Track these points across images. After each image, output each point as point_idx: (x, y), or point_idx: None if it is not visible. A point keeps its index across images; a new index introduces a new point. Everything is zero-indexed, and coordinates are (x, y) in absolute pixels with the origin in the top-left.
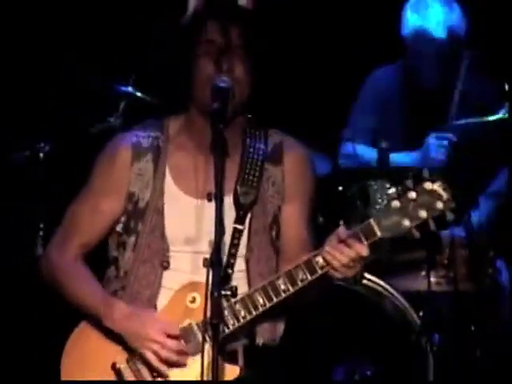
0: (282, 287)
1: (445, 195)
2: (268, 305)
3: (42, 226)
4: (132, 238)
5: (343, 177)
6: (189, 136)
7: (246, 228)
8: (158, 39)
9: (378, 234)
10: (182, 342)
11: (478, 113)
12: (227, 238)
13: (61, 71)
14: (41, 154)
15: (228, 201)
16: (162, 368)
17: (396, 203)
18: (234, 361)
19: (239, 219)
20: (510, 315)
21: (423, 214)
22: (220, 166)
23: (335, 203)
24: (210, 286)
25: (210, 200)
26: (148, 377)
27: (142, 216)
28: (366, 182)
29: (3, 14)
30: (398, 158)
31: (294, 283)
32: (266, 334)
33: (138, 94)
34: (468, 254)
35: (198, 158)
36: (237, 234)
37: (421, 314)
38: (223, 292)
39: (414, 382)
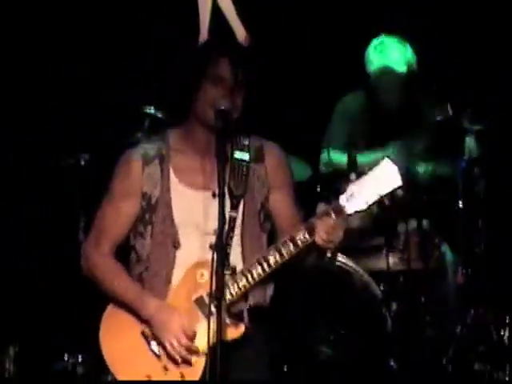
0: (272, 260)
1: (394, 176)
2: (263, 274)
3: (82, 218)
4: (148, 228)
5: (322, 180)
6: (187, 142)
7: (240, 214)
8: (175, 64)
9: (345, 211)
10: (194, 333)
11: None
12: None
13: (102, 96)
14: (82, 162)
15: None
16: (172, 353)
17: (355, 186)
18: (239, 321)
19: (233, 207)
20: (452, 288)
21: (378, 192)
22: (223, 171)
23: (315, 201)
24: (215, 265)
25: (214, 196)
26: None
27: (154, 210)
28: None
29: (45, 36)
30: (362, 157)
31: (281, 256)
32: (258, 296)
33: (159, 115)
34: (418, 240)
35: (195, 159)
36: (232, 219)
37: (381, 287)
38: (226, 271)
39: (376, 340)
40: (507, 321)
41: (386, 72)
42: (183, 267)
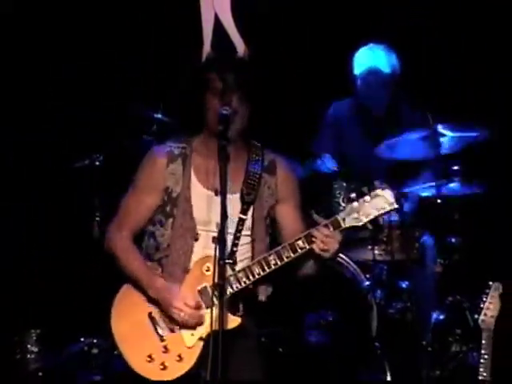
0: (273, 262)
1: (390, 199)
2: (262, 274)
3: (97, 214)
4: (170, 220)
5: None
6: (206, 147)
7: (250, 218)
8: (181, 81)
9: (343, 226)
10: (198, 302)
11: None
12: (234, 225)
13: (114, 103)
14: (96, 162)
15: (236, 197)
16: (183, 322)
17: (356, 204)
18: (236, 313)
19: (243, 211)
20: (431, 277)
21: (375, 212)
22: (224, 171)
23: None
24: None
25: (216, 194)
26: (174, 325)
27: (175, 203)
28: (331, 182)
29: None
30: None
31: (281, 259)
32: (263, 292)
33: (165, 120)
34: (400, 233)
35: (211, 162)
36: (241, 221)
37: (367, 276)
38: (227, 261)
39: (362, 325)
40: (482, 306)
41: (373, 72)
42: (197, 257)
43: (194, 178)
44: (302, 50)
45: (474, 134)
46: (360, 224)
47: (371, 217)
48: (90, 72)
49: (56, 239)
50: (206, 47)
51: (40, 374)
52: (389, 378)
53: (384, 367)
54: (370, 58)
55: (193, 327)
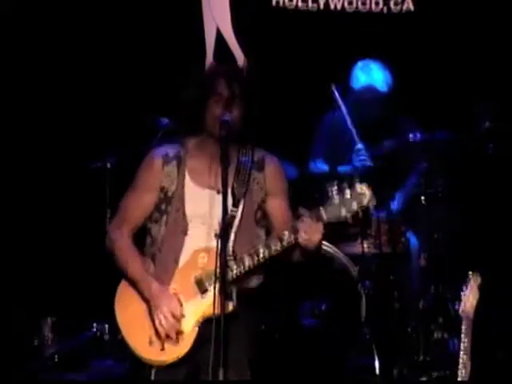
0: (262, 253)
1: (368, 194)
2: (252, 265)
3: (109, 210)
4: (164, 217)
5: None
6: (200, 149)
7: (239, 212)
8: (185, 88)
9: (324, 218)
10: (182, 315)
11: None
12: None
13: (125, 109)
14: (108, 164)
15: (228, 193)
16: (160, 330)
17: (336, 199)
18: (229, 300)
19: (234, 206)
20: (416, 269)
21: (355, 206)
22: (226, 174)
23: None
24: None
25: (218, 192)
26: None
27: (170, 202)
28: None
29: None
30: (340, 168)
31: (269, 250)
32: (254, 282)
33: (171, 125)
34: (388, 228)
35: (205, 163)
36: (232, 216)
37: (357, 268)
38: (228, 257)
39: (352, 313)
40: (462, 296)
41: (370, 90)
42: (189, 252)
43: (187, 178)
44: (300, 62)
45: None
46: (341, 216)
47: (351, 211)
48: (107, 80)
49: (71, 233)
50: (209, 58)
51: (56, 359)
52: (376, 362)
53: (372, 351)
54: (368, 76)
55: (170, 337)
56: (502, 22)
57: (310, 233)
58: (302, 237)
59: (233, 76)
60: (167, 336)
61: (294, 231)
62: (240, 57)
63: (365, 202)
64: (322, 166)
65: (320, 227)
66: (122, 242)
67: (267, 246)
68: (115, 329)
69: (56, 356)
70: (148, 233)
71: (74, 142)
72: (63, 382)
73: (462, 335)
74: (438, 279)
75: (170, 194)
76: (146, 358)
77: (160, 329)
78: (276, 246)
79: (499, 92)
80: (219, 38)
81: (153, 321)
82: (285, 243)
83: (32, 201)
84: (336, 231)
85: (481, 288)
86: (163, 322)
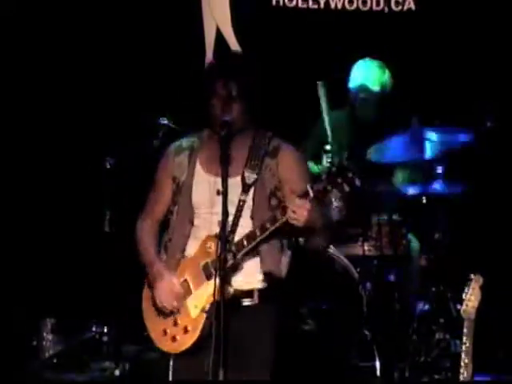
0: (258, 233)
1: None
2: (248, 246)
3: (108, 210)
4: (176, 207)
5: None
6: (212, 139)
7: (251, 199)
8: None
9: (310, 193)
10: (181, 293)
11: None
12: (233, 209)
13: (125, 109)
14: (108, 165)
15: (237, 180)
16: (161, 307)
17: (324, 177)
18: (229, 285)
19: (243, 192)
20: (417, 270)
21: (339, 181)
22: (226, 173)
23: None
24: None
25: (218, 193)
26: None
27: (180, 192)
28: None
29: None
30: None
31: (263, 230)
32: (269, 264)
33: (171, 125)
34: (389, 230)
35: (217, 151)
36: (241, 202)
37: (358, 270)
38: (228, 254)
39: (353, 314)
40: (463, 297)
41: (362, 89)
42: (196, 240)
43: (198, 167)
44: (300, 61)
45: (457, 139)
46: (327, 190)
47: (337, 184)
48: (106, 79)
49: (70, 233)
50: (209, 57)
51: (55, 360)
52: (377, 364)
53: (373, 353)
54: (363, 76)
55: (169, 313)
56: (504, 21)
57: (298, 211)
58: (290, 216)
59: (230, 75)
60: (171, 313)
61: (284, 211)
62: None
63: (349, 174)
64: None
65: (307, 204)
66: (142, 232)
67: (261, 227)
68: (115, 330)
69: (55, 358)
70: (167, 223)
71: (72, 142)
72: (63, 382)
73: (464, 336)
74: (439, 280)
75: (180, 183)
76: (163, 349)
77: (161, 306)
78: (269, 227)
79: (501, 91)
80: (219, 37)
81: (165, 312)
82: (277, 223)
83: (31, 201)
84: (337, 232)
85: (482, 289)
86: (162, 298)
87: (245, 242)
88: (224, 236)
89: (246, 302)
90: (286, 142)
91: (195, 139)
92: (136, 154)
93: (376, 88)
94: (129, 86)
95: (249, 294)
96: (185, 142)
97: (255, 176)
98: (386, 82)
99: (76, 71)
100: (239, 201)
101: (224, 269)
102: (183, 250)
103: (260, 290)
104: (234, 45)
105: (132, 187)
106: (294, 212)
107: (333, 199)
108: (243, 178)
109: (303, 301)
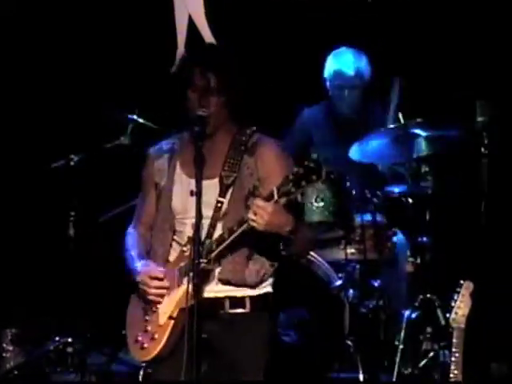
0: (226, 237)
1: (321, 172)
2: (217, 249)
3: (73, 214)
4: (157, 214)
5: None
6: (192, 142)
7: (227, 200)
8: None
9: (275, 196)
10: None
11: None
12: (211, 212)
13: (92, 103)
14: (72, 163)
15: (215, 182)
16: (147, 298)
17: (291, 177)
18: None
19: (221, 194)
20: (403, 276)
21: (304, 183)
22: (200, 175)
23: None
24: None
25: (192, 194)
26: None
27: (161, 197)
28: None
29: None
30: None
31: (230, 233)
32: (261, 286)
33: (141, 120)
34: (373, 233)
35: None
36: (219, 204)
37: (340, 275)
38: (202, 260)
39: (335, 323)
40: (452, 304)
41: (336, 75)
42: (177, 247)
43: (178, 170)
44: (277, 52)
45: (447, 134)
46: (291, 192)
47: (301, 187)
48: (65, 72)
49: (31, 239)
50: (181, 49)
51: (15, 372)
52: (361, 376)
53: (357, 365)
54: (336, 62)
55: (157, 300)
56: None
57: (259, 213)
58: (251, 217)
59: (208, 63)
60: (151, 316)
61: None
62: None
63: (315, 178)
64: None
65: (268, 207)
66: (131, 236)
67: (230, 230)
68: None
69: (16, 370)
70: None
71: (34, 139)
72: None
73: (453, 346)
74: (426, 286)
75: (161, 189)
76: (134, 357)
77: (146, 297)
78: (237, 229)
79: (499, 86)
80: (191, 26)
81: (141, 319)
82: (242, 226)
83: None
84: (317, 234)
85: (473, 296)
86: (145, 287)
87: (213, 246)
88: (198, 239)
89: (232, 310)
90: (267, 137)
91: (176, 141)
92: (103, 151)
93: (351, 72)
94: (95, 79)
95: (239, 301)
96: (165, 145)
97: (234, 175)
98: (363, 68)
99: (36, 65)
100: (217, 202)
101: (194, 273)
102: (166, 260)
103: (251, 298)
104: (207, 35)
105: (99, 187)
106: (254, 213)
107: (313, 200)
108: (221, 179)
109: (280, 309)
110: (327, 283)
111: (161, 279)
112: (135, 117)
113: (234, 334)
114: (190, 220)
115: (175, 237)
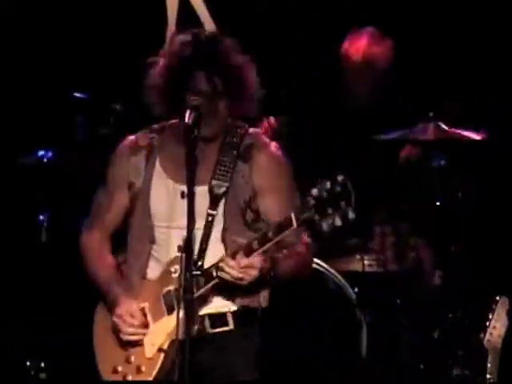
0: (214, 274)
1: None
2: (205, 287)
3: (45, 215)
4: (132, 219)
5: None
6: (175, 137)
7: (221, 212)
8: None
9: (295, 225)
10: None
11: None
12: (202, 222)
13: (68, 92)
14: (45, 159)
15: (204, 190)
16: (124, 338)
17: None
18: (195, 321)
19: (212, 206)
20: (430, 291)
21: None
22: (192, 174)
23: None
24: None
25: (183, 197)
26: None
27: (137, 200)
28: None
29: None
30: None
31: (211, 279)
32: (245, 299)
33: (125, 112)
34: (394, 241)
35: (181, 153)
36: (210, 217)
37: (356, 290)
38: (194, 272)
39: (350, 346)
40: (487, 324)
41: (345, 55)
42: (158, 261)
43: (158, 170)
44: (281, 35)
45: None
46: (314, 220)
47: (327, 215)
48: (38, 60)
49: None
50: (171, 27)
51: None
52: None
53: None
54: (347, 43)
55: (135, 342)
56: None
57: (245, 272)
58: (236, 277)
59: (215, 66)
60: (133, 346)
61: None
62: (211, 29)
63: (342, 204)
64: None
65: (255, 263)
66: (91, 248)
67: (218, 268)
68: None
69: None
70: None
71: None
72: None
73: (488, 373)
74: (456, 303)
75: (137, 190)
76: None
77: (123, 337)
78: (215, 274)
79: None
80: (184, 3)
81: (117, 345)
82: (215, 277)
83: None
84: (328, 241)
85: (510, 314)
86: (122, 327)
87: (214, 273)
88: (190, 254)
89: (218, 329)
90: (262, 138)
91: (154, 135)
92: (80, 145)
93: (357, 57)
94: (70, 64)
95: (221, 318)
96: (142, 139)
97: (226, 185)
98: (376, 55)
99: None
100: (208, 215)
101: (188, 302)
102: (143, 275)
103: (234, 313)
104: (203, 14)
105: (75, 187)
106: (230, 274)
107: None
108: (211, 188)
109: (288, 330)
110: (341, 299)
111: (144, 324)
112: (118, 107)
113: (221, 359)
114: (177, 230)
115: (154, 248)
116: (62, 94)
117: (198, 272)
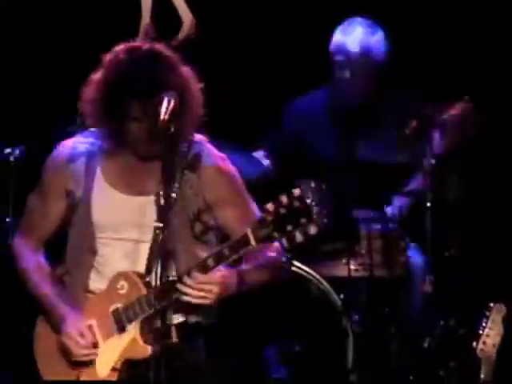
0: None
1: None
2: (153, 308)
3: (11, 218)
4: (72, 229)
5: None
6: (119, 144)
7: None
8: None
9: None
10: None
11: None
12: (149, 235)
13: (36, 89)
14: (12, 157)
15: (151, 200)
16: (74, 355)
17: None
18: (148, 341)
19: (159, 219)
20: (419, 297)
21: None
22: (171, 174)
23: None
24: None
25: (157, 201)
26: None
27: (76, 209)
28: None
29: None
30: None
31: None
32: (198, 314)
33: None
34: (382, 245)
35: (129, 161)
36: (157, 230)
37: (342, 296)
38: (171, 278)
39: (336, 356)
40: (480, 332)
41: (338, 50)
42: (102, 274)
43: (100, 179)
44: (265, 30)
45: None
46: (273, 237)
47: (286, 232)
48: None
49: None
50: (145, 20)
51: None
52: None
53: None
54: (342, 34)
55: (84, 361)
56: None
57: (206, 290)
58: (195, 295)
59: (148, 93)
60: (82, 365)
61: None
62: (188, 20)
63: (303, 220)
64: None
65: (215, 278)
66: (28, 259)
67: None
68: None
69: None
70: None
71: None
72: None
73: (481, 383)
74: (448, 310)
75: (76, 199)
76: None
77: (74, 358)
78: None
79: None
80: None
81: (64, 362)
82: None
83: None
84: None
85: (505, 322)
86: (74, 349)
87: (154, 302)
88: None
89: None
90: (209, 148)
91: (95, 141)
92: (50, 142)
93: (355, 49)
94: (39, 58)
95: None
96: (80, 145)
97: (173, 196)
98: (374, 46)
99: None
100: (155, 228)
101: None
102: (86, 288)
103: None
104: (180, 5)
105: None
106: (189, 295)
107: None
108: (158, 199)
109: (270, 340)
110: (325, 306)
111: (95, 344)
112: None
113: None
114: (122, 242)
115: (97, 260)
116: (60, 93)
117: (175, 278)
